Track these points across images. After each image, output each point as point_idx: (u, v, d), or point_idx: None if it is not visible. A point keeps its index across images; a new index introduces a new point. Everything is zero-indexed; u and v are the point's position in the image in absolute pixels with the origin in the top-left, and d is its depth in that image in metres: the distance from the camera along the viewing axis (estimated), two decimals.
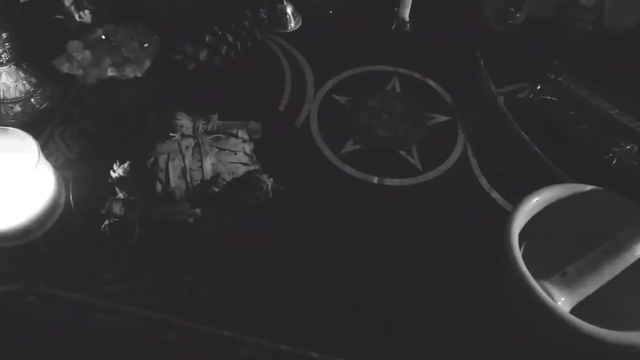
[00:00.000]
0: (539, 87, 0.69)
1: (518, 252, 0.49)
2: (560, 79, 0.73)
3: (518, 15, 0.76)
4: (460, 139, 0.68)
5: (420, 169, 0.65)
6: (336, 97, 0.71)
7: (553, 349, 0.51)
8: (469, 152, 0.66)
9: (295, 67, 0.74)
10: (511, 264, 0.48)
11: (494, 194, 0.63)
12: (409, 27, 0.78)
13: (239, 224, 0.53)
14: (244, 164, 0.52)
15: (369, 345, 0.51)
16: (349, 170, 0.64)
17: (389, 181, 0.63)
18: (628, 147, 0.65)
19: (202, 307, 0.51)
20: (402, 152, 0.66)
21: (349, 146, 0.66)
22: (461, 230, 0.59)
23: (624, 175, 0.63)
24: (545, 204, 0.54)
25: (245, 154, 0.53)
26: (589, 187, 0.54)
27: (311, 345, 0.51)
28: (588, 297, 0.51)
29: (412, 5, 0.77)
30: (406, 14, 0.78)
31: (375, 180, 0.63)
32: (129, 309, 0.52)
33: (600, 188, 0.55)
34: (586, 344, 0.46)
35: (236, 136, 0.53)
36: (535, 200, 0.52)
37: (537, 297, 0.47)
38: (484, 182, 0.64)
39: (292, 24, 0.78)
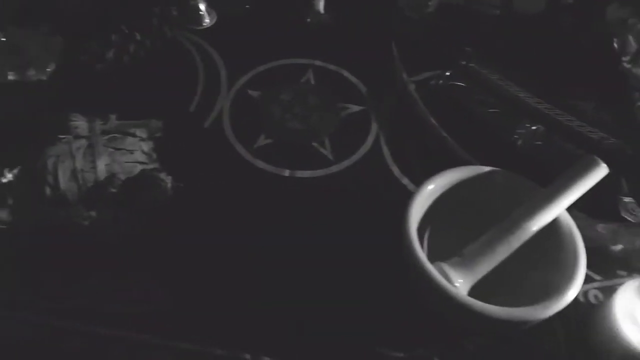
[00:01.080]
0: (448, 74, 0.70)
1: (414, 237, 0.49)
2: (472, 64, 0.74)
3: (430, 2, 0.77)
4: (374, 128, 0.68)
5: (333, 159, 0.65)
6: (250, 92, 0.71)
7: (456, 328, 0.53)
8: (382, 140, 0.67)
9: (209, 63, 0.73)
10: (407, 248, 0.49)
11: (405, 181, 0.63)
12: (324, 19, 0.78)
13: (141, 224, 0.52)
14: (141, 162, 0.51)
15: (278, 339, 0.52)
16: (260, 164, 0.64)
17: (301, 173, 0.63)
18: (534, 128, 0.67)
19: (104, 311, 0.51)
20: (314, 144, 0.66)
21: (262, 140, 0.66)
22: (372, 218, 0.59)
23: (529, 156, 0.64)
24: (446, 188, 0.55)
25: (143, 152, 0.52)
26: (487, 169, 0.56)
27: (217, 343, 0.51)
28: (495, 275, 0.52)
29: None
30: (321, 5, 0.78)
31: (287, 173, 0.63)
32: (28, 317, 0.51)
33: (498, 169, 0.56)
34: (479, 321, 0.47)
35: (134, 135, 0.53)
36: (432, 186, 0.53)
37: (431, 280, 0.47)
38: (396, 170, 0.65)
39: (207, 20, 0.77)
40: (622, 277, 0.57)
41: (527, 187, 0.54)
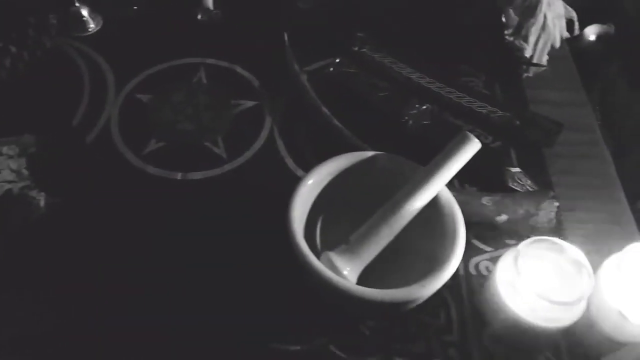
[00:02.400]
0: (337, 61, 0.70)
1: (295, 230, 0.49)
2: (364, 49, 0.75)
3: None
4: (267, 122, 0.68)
5: (226, 157, 0.64)
6: (139, 96, 0.69)
7: (350, 315, 0.53)
8: (276, 134, 0.67)
9: (96, 70, 0.71)
10: (290, 241, 0.49)
11: (300, 172, 0.63)
12: (214, 16, 0.77)
13: (12, 245, 0.50)
14: (9, 182, 0.49)
15: (182, 347, 0.51)
16: (151, 170, 0.62)
17: (193, 175, 0.62)
18: (424, 107, 0.68)
19: None
20: (207, 144, 0.65)
21: (152, 145, 0.64)
22: (267, 213, 0.59)
23: (419, 135, 0.65)
24: (332, 176, 0.55)
25: (12, 170, 0.50)
26: (370, 153, 0.56)
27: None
28: (388, 256, 0.53)
29: None
30: (210, 1, 0.77)
31: (179, 176, 0.62)
32: None
33: (381, 152, 0.56)
34: (363, 307, 0.48)
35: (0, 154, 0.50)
36: (314, 178, 0.53)
37: (313, 270, 0.47)
38: (290, 162, 0.64)
39: (92, 26, 0.75)
40: (510, 246, 0.59)
41: (410, 168, 0.55)
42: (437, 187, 0.52)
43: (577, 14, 0.79)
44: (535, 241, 0.49)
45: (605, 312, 0.51)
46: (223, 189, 0.62)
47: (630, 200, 0.89)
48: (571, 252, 0.49)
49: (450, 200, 0.53)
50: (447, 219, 0.52)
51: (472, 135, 0.52)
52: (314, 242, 0.56)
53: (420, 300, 0.49)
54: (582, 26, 0.87)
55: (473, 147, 0.52)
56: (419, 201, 0.51)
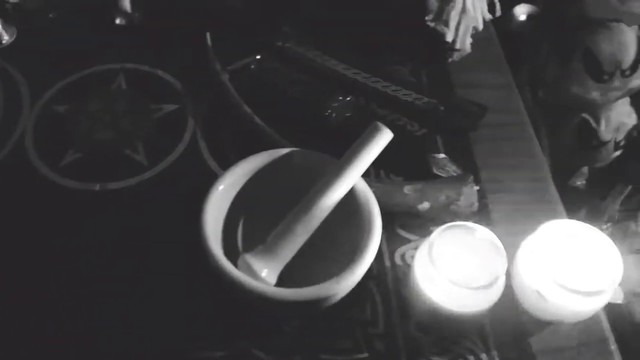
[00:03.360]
0: (258, 57, 0.69)
1: (207, 235, 0.48)
2: (288, 44, 0.74)
3: None
4: (190, 125, 0.66)
5: (147, 164, 0.63)
6: (56, 107, 0.66)
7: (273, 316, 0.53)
8: (199, 137, 0.65)
9: (9, 84, 0.68)
10: (202, 246, 0.48)
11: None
12: (133, 18, 0.75)
13: None
14: None
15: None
16: (67, 183, 0.60)
17: (113, 185, 0.60)
18: (347, 99, 0.67)
19: None
20: (127, 151, 0.64)
21: (69, 157, 0.62)
22: (189, 218, 0.57)
23: (342, 128, 0.65)
24: (248, 177, 0.54)
25: None
26: (285, 150, 0.55)
27: None
28: (311, 253, 0.52)
29: None
30: (127, 4, 0.75)
31: (97, 187, 0.60)
32: None
33: (296, 149, 0.55)
34: (279, 307, 0.48)
35: None
36: (227, 180, 0.52)
37: (225, 274, 0.46)
38: (214, 164, 0.63)
39: (6, 37, 0.72)
40: None
41: (325, 162, 0.54)
42: (351, 180, 0.51)
43: None
44: (448, 228, 0.48)
45: (525, 292, 0.51)
46: (144, 197, 0.60)
47: (563, 177, 0.90)
48: (485, 234, 0.49)
49: (366, 192, 0.52)
50: (364, 212, 0.51)
51: (382, 126, 0.51)
52: (235, 245, 0.55)
53: (339, 296, 0.48)
54: (511, 6, 0.87)
55: (385, 137, 0.51)
56: (333, 196, 0.51)
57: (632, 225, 1.26)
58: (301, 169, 0.55)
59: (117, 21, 0.75)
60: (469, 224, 0.49)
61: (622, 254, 0.49)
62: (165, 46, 0.73)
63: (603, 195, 0.96)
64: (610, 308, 0.55)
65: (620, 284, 0.48)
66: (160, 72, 0.71)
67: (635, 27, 0.78)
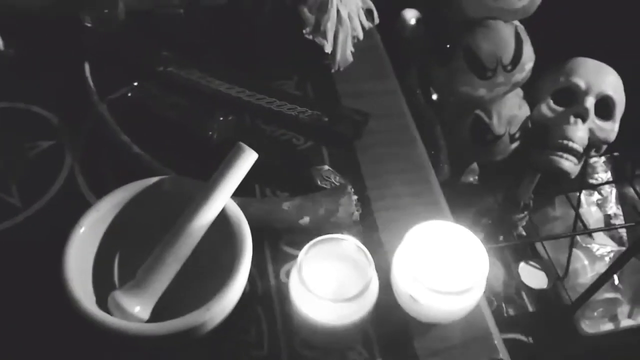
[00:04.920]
0: (135, 84, 0.68)
1: (68, 276, 0.46)
2: (170, 68, 0.73)
3: (116, 13, 0.74)
4: (67, 160, 0.64)
5: (21, 206, 0.60)
6: None
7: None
8: (77, 172, 0.63)
9: None
10: (63, 289, 0.46)
11: None
12: (7, 55, 0.72)
13: None
14: None
15: None
16: None
17: None
18: (229, 119, 0.66)
19: None
20: (0, 194, 0.61)
21: None
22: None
23: (224, 148, 0.64)
24: (117, 210, 0.53)
25: None
26: (155, 179, 0.54)
27: None
28: (189, 281, 0.51)
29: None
30: None
31: None
32: None
33: (166, 176, 0.54)
34: (145, 342, 0.46)
35: None
36: (89, 219, 0.50)
37: (86, 315, 0.45)
38: (93, 199, 0.61)
39: None
40: None
41: (194, 187, 0.53)
42: (218, 204, 0.50)
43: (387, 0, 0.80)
44: (315, 244, 0.48)
45: (402, 296, 0.51)
46: (17, 241, 0.58)
47: (456, 176, 0.92)
48: (352, 244, 0.49)
49: (237, 214, 0.52)
50: (236, 234, 0.51)
51: (246, 147, 0.51)
52: (112, 281, 0.54)
53: (211, 324, 0.47)
54: (397, 11, 0.89)
55: (249, 157, 0.51)
56: (201, 222, 0.50)
57: (550, 211, 1.31)
58: (173, 196, 0.54)
59: None
60: (337, 235, 0.49)
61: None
62: (42, 80, 0.71)
63: (508, 186, 0.99)
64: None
65: None
66: (36, 108, 0.68)
67: (512, 23, 0.80)
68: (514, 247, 1.26)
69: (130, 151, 0.63)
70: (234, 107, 0.69)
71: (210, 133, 0.65)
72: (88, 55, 0.72)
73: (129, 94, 0.67)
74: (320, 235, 0.58)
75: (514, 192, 1.08)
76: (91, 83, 0.69)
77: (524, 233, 1.19)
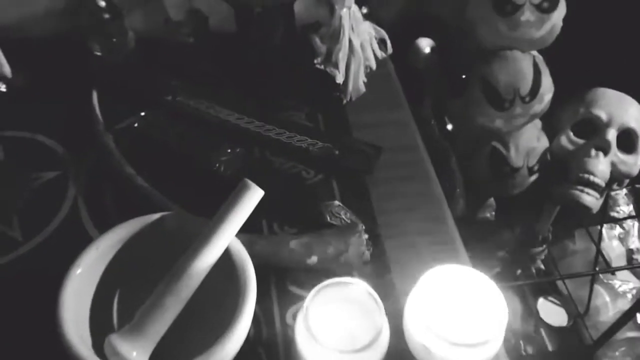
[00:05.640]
0: (143, 114, 0.66)
1: (63, 316, 0.44)
2: (179, 98, 0.71)
3: (125, 43, 0.73)
4: (70, 192, 0.62)
5: (22, 239, 0.58)
6: None
7: None
8: (80, 204, 0.62)
9: None
10: (58, 333, 0.44)
11: None
12: (15, 82, 0.71)
13: None
14: None
15: None
16: None
17: None
18: (237, 151, 0.64)
19: None
20: (1, 227, 0.60)
21: None
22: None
23: (231, 183, 0.62)
24: (117, 247, 0.51)
25: None
26: (157, 216, 0.52)
27: None
28: (190, 323, 0.48)
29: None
30: (7, 70, 0.71)
31: None
32: None
33: (168, 213, 0.52)
34: None
35: None
36: (86, 260, 0.48)
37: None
38: (96, 233, 0.59)
39: None
40: None
41: (198, 224, 0.51)
42: (222, 243, 0.48)
43: (401, 29, 0.79)
44: (323, 288, 0.46)
45: (414, 345, 0.48)
46: (17, 276, 0.56)
47: (472, 211, 0.89)
48: (361, 289, 0.46)
49: (241, 253, 0.49)
50: (239, 275, 0.48)
51: (252, 184, 0.48)
52: (110, 322, 0.51)
53: None
54: (410, 40, 0.87)
55: (255, 195, 0.48)
56: (204, 263, 0.47)
57: (570, 244, 1.27)
58: (175, 234, 0.52)
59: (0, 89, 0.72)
60: (345, 279, 0.47)
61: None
62: (48, 108, 0.70)
63: (527, 220, 0.96)
64: None
65: None
66: (40, 137, 0.67)
67: (530, 53, 0.78)
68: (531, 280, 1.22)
69: (135, 183, 0.61)
70: (243, 138, 0.67)
71: (218, 165, 0.63)
72: (96, 83, 0.71)
73: (136, 124, 0.66)
74: (329, 275, 0.55)
75: (532, 224, 1.04)
76: (98, 112, 0.68)
77: (542, 267, 1.15)
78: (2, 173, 0.64)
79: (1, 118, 0.68)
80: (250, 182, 0.49)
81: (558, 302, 1.15)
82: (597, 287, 1.13)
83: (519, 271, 1.11)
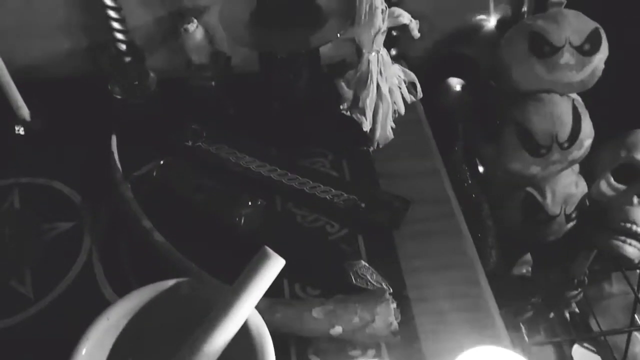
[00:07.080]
0: (162, 162, 0.64)
1: None
2: (200, 143, 0.69)
3: (147, 86, 0.71)
4: (85, 244, 0.60)
5: (33, 297, 0.56)
6: None
7: None
8: (95, 259, 0.59)
9: None
10: None
11: None
12: (33, 126, 0.70)
13: None
14: None
15: None
16: None
17: None
18: (258, 203, 0.61)
19: None
20: (12, 283, 0.57)
21: None
22: None
23: (252, 238, 0.59)
24: (130, 316, 0.48)
25: None
26: (172, 282, 0.48)
27: None
28: None
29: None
30: (26, 112, 0.70)
31: None
32: None
33: (183, 279, 0.49)
34: None
35: None
36: (95, 333, 0.45)
37: None
38: (109, 292, 0.56)
39: None
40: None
41: (216, 291, 0.48)
42: (239, 318, 0.44)
43: (431, 69, 0.75)
44: None
45: None
46: (25, 338, 0.53)
47: (506, 265, 0.84)
48: None
49: (259, 327, 0.45)
50: (256, 350, 0.45)
51: (272, 253, 0.45)
52: None
53: None
54: (441, 81, 0.83)
55: (276, 265, 0.45)
56: (220, 339, 0.44)
57: (607, 287, 1.20)
58: (191, 301, 0.48)
59: (17, 130, 0.70)
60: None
61: None
62: (67, 153, 0.68)
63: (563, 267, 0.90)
64: None
65: None
66: (57, 184, 0.65)
67: (569, 96, 0.74)
68: (565, 324, 1.16)
69: (152, 238, 0.58)
70: (264, 187, 0.64)
71: (237, 219, 0.60)
72: (116, 127, 0.69)
73: (154, 173, 0.63)
74: (354, 345, 0.52)
75: (567, 267, 0.99)
76: (117, 158, 0.66)
77: (577, 310, 1.10)
78: (17, 223, 0.62)
79: (18, 163, 0.67)
80: (270, 251, 0.45)
81: (594, 348, 1.09)
82: (636, 334, 1.06)
83: (551, 314, 1.06)
